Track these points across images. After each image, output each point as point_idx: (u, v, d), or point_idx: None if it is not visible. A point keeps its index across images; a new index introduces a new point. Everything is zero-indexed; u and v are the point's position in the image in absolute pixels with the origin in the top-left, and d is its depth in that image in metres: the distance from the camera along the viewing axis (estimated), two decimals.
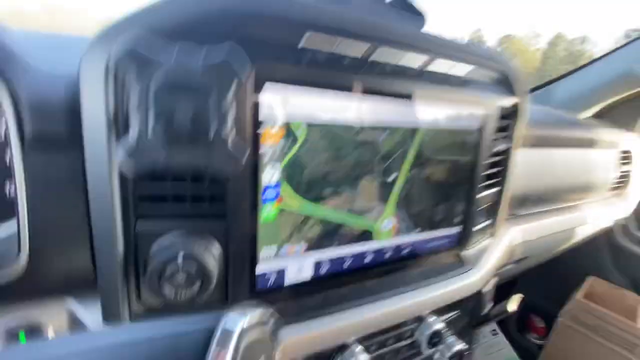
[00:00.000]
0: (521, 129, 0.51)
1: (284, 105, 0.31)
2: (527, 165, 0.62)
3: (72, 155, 0.27)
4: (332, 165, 0.35)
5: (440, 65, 0.39)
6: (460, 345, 0.45)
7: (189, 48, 0.24)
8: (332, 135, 0.34)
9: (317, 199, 0.36)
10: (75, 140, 0.26)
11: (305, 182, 0.34)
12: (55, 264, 0.28)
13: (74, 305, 0.30)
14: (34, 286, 0.28)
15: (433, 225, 0.45)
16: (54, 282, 0.29)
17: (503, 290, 0.69)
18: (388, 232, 0.41)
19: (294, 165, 0.33)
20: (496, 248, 0.54)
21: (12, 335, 0.30)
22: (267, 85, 0.29)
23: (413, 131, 0.39)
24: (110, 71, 0.24)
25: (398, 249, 0.43)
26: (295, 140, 0.32)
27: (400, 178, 0.40)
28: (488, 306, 0.54)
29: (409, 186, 0.41)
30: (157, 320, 0.23)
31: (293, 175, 0.33)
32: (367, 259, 0.41)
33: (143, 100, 0.23)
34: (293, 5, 0.29)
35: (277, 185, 0.33)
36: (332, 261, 0.38)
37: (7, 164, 0.25)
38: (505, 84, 0.47)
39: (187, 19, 0.26)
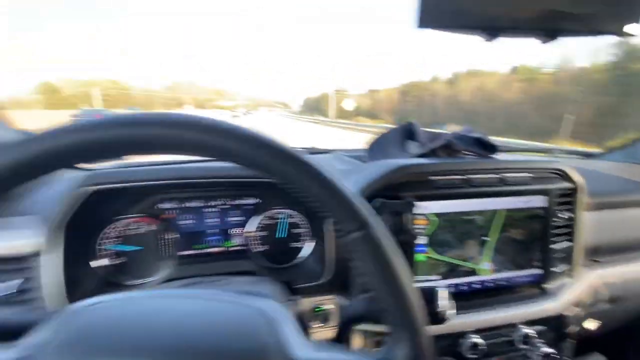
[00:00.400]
0: (582, 201, 0.76)
1: (426, 207, 0.67)
2: (600, 222, 0.83)
3: None
4: (451, 234, 0.69)
5: (515, 174, 0.70)
6: (546, 349, 0.68)
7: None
8: (450, 218, 0.68)
9: (444, 252, 0.69)
10: None
11: (438, 243, 0.68)
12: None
13: None
14: (331, 288, 0.67)
15: (519, 267, 0.73)
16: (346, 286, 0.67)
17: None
18: (487, 271, 0.71)
19: (432, 235, 0.68)
20: (574, 285, 0.76)
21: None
22: (417, 205, 0.65)
23: (495, 212, 0.70)
24: None
25: (495, 281, 0.72)
26: (431, 223, 0.68)
27: (491, 239, 0.71)
28: (573, 328, 0.74)
29: (498, 243, 0.71)
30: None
31: (432, 239, 0.68)
32: (476, 286, 0.71)
33: None
34: (455, 163, 0.67)
35: (424, 245, 0.68)
36: (455, 285, 0.70)
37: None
38: (564, 176, 0.74)
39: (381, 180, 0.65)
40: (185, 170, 0.70)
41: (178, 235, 0.70)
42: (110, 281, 0.65)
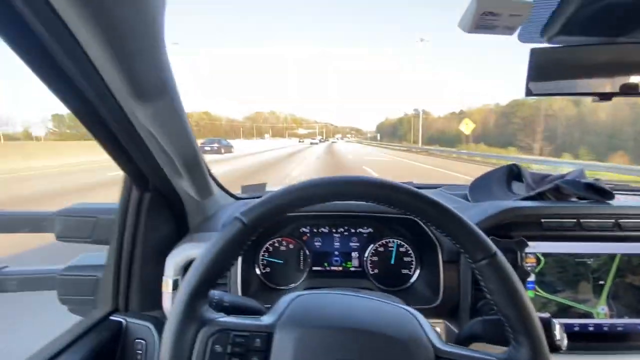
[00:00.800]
0: None
1: (535, 247, 0.72)
2: None
3: None
4: (561, 274, 0.73)
5: (633, 221, 0.71)
6: None
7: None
8: (560, 259, 0.73)
9: (554, 292, 0.73)
10: None
11: (547, 282, 0.73)
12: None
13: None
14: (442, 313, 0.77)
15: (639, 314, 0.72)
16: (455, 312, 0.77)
17: None
18: (604, 314, 0.72)
19: (539, 273, 0.73)
20: None
21: None
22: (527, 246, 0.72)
23: (613, 256, 0.72)
24: None
25: (613, 325, 0.72)
26: (539, 262, 0.73)
27: (607, 283, 0.72)
28: None
29: (615, 287, 0.72)
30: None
31: (540, 278, 0.73)
32: (591, 329, 0.72)
33: None
34: (567, 207, 0.73)
35: (533, 282, 0.73)
36: (566, 325, 0.72)
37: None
38: None
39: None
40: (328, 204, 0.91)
41: (312, 253, 0.89)
42: (265, 284, 0.87)
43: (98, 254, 0.82)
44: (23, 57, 0.39)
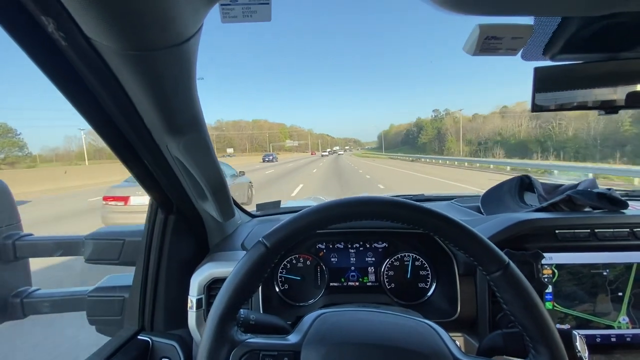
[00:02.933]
0: None
1: (550, 258, 0.73)
2: None
3: None
4: (577, 287, 0.73)
5: None
6: None
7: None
8: (575, 272, 0.73)
9: (572, 306, 0.73)
10: None
11: (564, 296, 0.73)
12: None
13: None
14: (460, 326, 0.77)
15: None
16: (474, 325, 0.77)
17: None
18: (626, 324, 0.72)
19: (555, 285, 0.73)
20: None
21: None
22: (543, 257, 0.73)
23: (629, 266, 0.72)
24: None
25: (636, 336, 0.71)
26: (554, 274, 0.73)
27: (626, 293, 0.72)
28: None
29: (634, 299, 0.71)
30: None
31: (556, 290, 0.73)
32: (613, 339, 0.72)
33: None
34: (581, 218, 0.74)
35: (551, 293, 0.73)
36: (587, 336, 0.72)
37: None
38: None
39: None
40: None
41: (328, 269, 0.91)
42: (285, 301, 0.89)
43: (124, 275, 0.86)
44: (72, 100, 0.44)
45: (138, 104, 0.44)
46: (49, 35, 0.35)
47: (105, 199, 4.39)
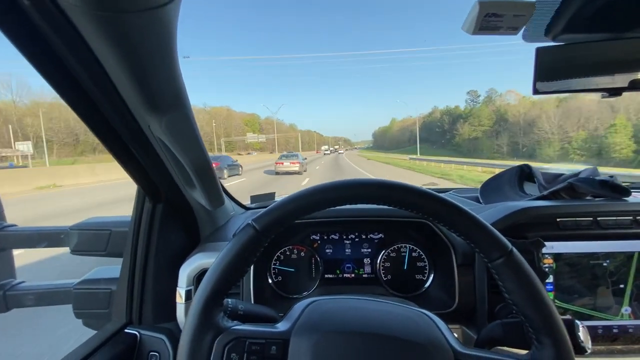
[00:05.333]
0: None
1: (551, 247, 0.71)
2: None
3: None
4: (577, 279, 0.70)
5: None
6: None
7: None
8: (573, 263, 0.70)
9: (572, 300, 0.71)
10: None
11: (564, 290, 0.71)
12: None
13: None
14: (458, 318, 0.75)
15: None
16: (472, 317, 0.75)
17: None
18: (628, 315, 0.70)
19: (555, 275, 0.71)
20: None
21: None
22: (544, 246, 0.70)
23: (630, 256, 0.69)
24: None
25: (638, 327, 0.69)
26: (554, 264, 0.71)
27: (628, 284, 0.70)
28: None
29: (636, 289, 0.69)
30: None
31: (555, 282, 0.71)
32: (615, 330, 0.70)
33: None
34: (582, 206, 0.71)
35: (552, 283, 0.71)
36: (589, 327, 0.70)
37: None
38: None
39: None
40: (336, 210, 0.90)
41: (323, 260, 0.89)
42: (278, 293, 0.86)
43: (112, 267, 0.83)
44: (42, 72, 0.41)
45: (114, 77, 0.41)
46: None
47: (276, 163, 15.63)
